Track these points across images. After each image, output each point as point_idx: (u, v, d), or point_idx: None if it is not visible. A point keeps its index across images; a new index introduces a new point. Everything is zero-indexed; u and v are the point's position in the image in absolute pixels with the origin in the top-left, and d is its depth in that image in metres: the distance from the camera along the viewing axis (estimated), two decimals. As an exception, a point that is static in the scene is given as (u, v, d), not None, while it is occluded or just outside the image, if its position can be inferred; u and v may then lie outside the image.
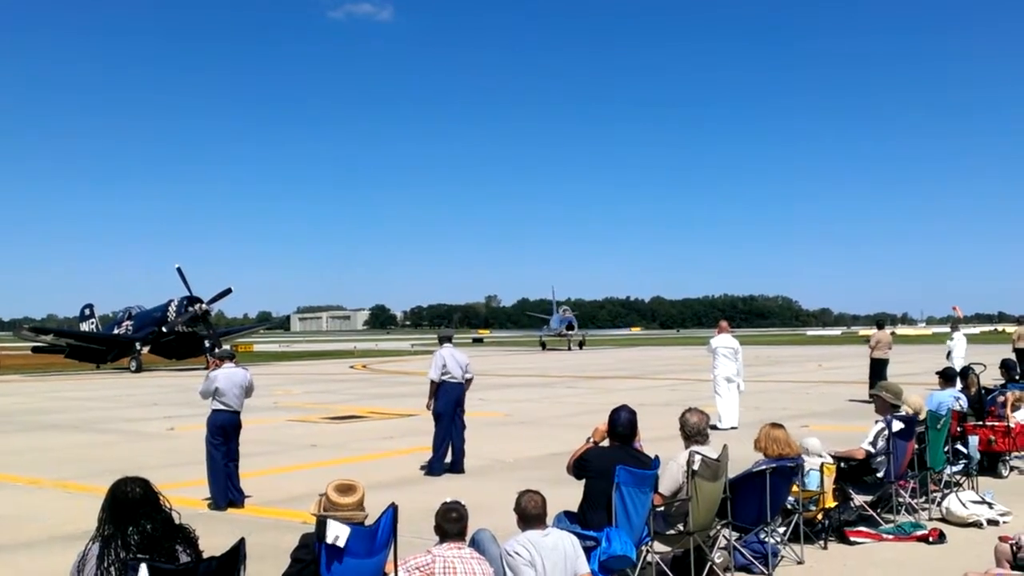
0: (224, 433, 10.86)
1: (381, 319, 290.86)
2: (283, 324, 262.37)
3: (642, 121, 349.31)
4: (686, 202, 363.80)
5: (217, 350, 12.82)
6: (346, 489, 5.31)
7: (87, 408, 25.09)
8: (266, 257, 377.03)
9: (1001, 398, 12.39)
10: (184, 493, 10.38)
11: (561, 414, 21.24)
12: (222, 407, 10.90)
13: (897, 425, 9.04)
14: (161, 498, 4.63)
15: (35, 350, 54.59)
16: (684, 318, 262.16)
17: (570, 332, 76.51)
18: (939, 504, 9.52)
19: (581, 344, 79.27)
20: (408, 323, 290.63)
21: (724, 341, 18.18)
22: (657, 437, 10.41)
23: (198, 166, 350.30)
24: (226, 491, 10.65)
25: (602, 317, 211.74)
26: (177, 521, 4.62)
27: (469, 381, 13.61)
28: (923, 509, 9.53)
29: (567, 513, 6.97)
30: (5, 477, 13.26)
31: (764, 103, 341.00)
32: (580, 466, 7.03)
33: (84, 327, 55.37)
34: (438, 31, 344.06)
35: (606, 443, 7.20)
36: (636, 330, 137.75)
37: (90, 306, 56.36)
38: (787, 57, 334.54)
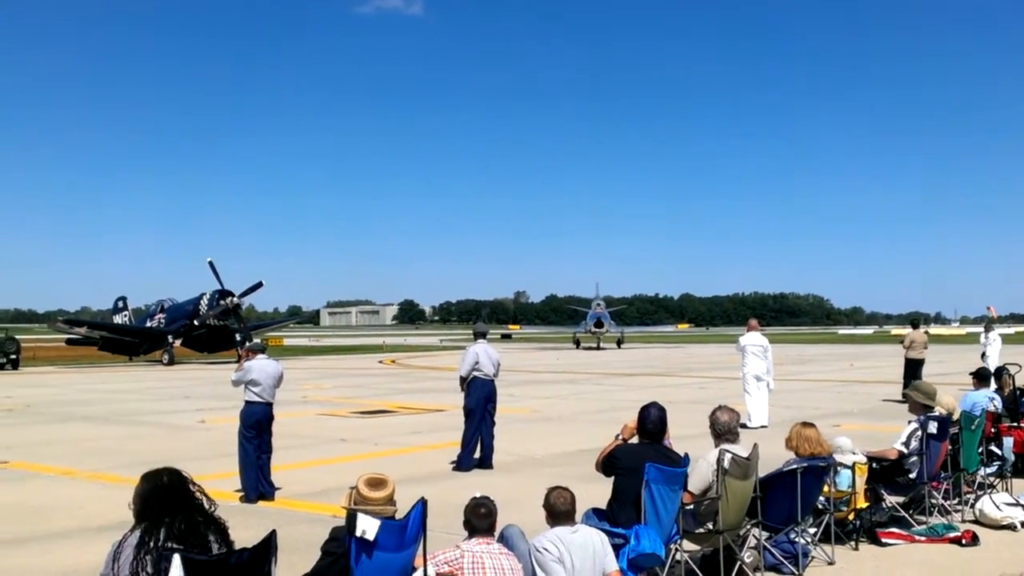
0: (258, 425, 10.93)
1: (410, 314, 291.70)
2: (313, 318, 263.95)
3: (674, 116, 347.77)
4: (717, 199, 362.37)
5: (248, 343, 12.92)
6: (376, 483, 5.32)
7: (120, 400, 25.37)
8: (297, 252, 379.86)
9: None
10: (215, 485, 10.40)
11: (590, 410, 21.21)
12: (256, 399, 10.96)
13: (931, 426, 8.95)
14: (194, 489, 4.67)
15: (69, 342, 55.39)
16: (713, 316, 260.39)
17: (599, 330, 70.46)
18: (972, 506, 9.41)
19: (619, 343, 74.32)
20: (437, 318, 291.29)
21: (754, 339, 18.08)
22: (687, 435, 10.38)
23: (230, 161, 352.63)
24: (257, 484, 10.72)
25: (630, 314, 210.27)
26: (209, 512, 4.65)
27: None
28: (956, 511, 9.44)
29: (596, 510, 6.95)
30: (39, 467, 13.44)
31: (798, 99, 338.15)
32: (609, 463, 7.01)
33: (117, 320, 56.14)
34: (467, 26, 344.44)
35: (635, 440, 7.18)
36: (684, 327, 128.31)
37: (123, 299, 57.18)
38: (819, 50, 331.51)
